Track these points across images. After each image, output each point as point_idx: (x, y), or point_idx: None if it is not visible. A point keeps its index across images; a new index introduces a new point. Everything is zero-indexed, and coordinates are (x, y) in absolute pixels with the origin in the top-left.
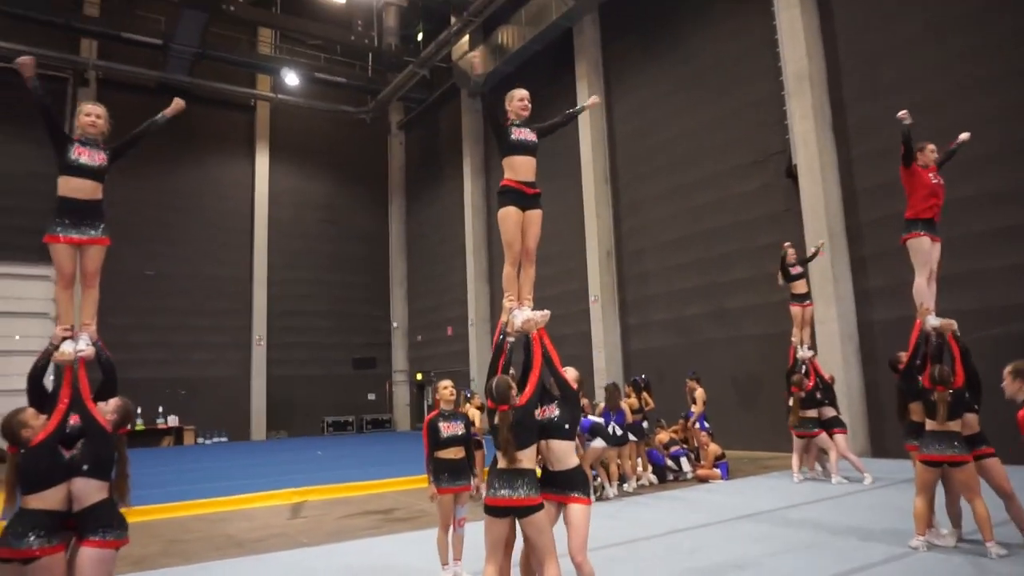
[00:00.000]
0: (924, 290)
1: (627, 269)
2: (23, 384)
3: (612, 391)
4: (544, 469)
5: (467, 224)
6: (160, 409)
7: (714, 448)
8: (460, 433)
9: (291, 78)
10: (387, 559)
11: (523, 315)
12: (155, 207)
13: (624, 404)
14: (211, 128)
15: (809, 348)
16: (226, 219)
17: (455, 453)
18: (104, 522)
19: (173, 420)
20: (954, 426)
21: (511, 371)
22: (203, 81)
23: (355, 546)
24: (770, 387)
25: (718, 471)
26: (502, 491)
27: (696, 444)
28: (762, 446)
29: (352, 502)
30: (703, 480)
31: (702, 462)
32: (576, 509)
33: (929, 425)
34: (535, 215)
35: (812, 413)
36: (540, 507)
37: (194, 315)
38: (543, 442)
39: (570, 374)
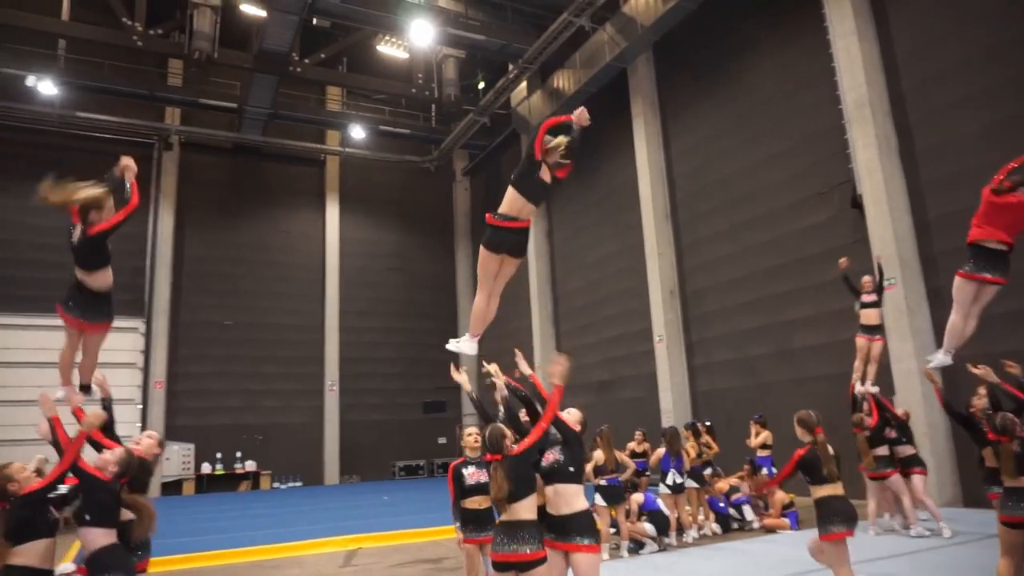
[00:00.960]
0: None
1: (691, 309)
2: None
3: (673, 435)
4: (550, 515)
5: (531, 267)
6: (238, 455)
7: (781, 495)
8: (485, 481)
9: (357, 132)
10: None
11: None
12: (231, 261)
13: (684, 450)
14: (283, 183)
15: (872, 384)
16: (298, 270)
17: (480, 503)
18: (109, 565)
19: (251, 465)
20: None
21: (522, 413)
22: (275, 139)
23: None
24: (840, 429)
25: (787, 520)
26: (503, 547)
27: (763, 492)
28: None
29: (406, 550)
30: (770, 530)
31: (769, 510)
32: (582, 560)
33: (1007, 481)
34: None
35: (883, 451)
36: (542, 561)
37: (269, 363)
38: (550, 488)
39: (573, 416)
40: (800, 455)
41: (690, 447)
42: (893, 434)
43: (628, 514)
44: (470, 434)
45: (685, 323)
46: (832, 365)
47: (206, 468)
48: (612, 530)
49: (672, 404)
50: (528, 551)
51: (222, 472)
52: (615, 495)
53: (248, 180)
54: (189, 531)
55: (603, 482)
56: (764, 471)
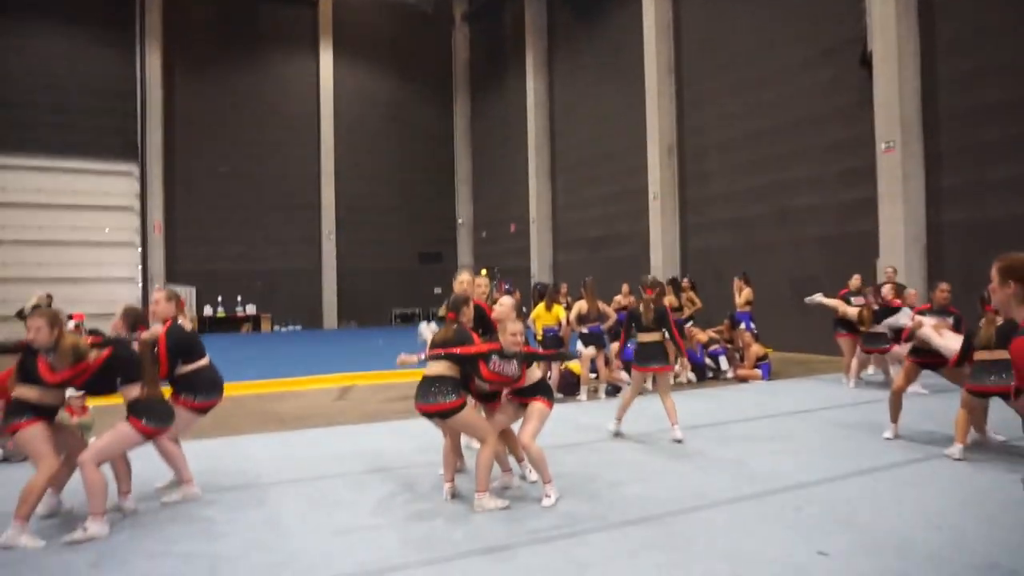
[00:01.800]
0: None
1: (689, 167)
2: (113, 271)
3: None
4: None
5: (529, 120)
6: (239, 298)
7: (756, 349)
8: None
9: None
10: (407, 442)
11: None
12: (224, 107)
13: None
14: (275, 26)
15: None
16: (293, 118)
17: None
18: (141, 411)
19: (251, 309)
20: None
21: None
22: None
23: (383, 427)
24: (830, 289)
25: (758, 371)
26: (420, 399)
27: (740, 344)
28: (816, 350)
29: (397, 388)
30: (742, 380)
31: (744, 362)
32: (534, 405)
33: (978, 355)
34: None
35: (882, 330)
36: (458, 408)
37: (268, 210)
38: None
39: (506, 304)
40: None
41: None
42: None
43: (608, 361)
44: (460, 282)
45: (682, 181)
46: (829, 226)
47: (208, 311)
48: (593, 375)
49: (662, 261)
50: (442, 401)
51: (224, 316)
52: (596, 342)
53: (239, 20)
54: None
55: (585, 330)
56: (743, 326)
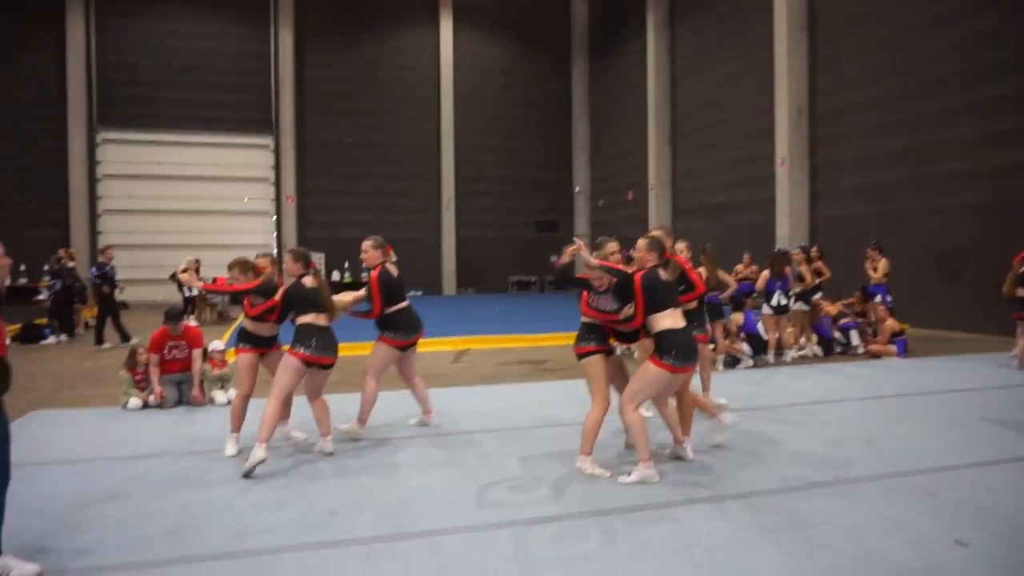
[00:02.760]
0: None
1: (820, 130)
2: (251, 239)
3: (777, 258)
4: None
5: (649, 84)
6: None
7: (892, 323)
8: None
9: None
10: (521, 403)
11: None
12: (350, 80)
13: (800, 273)
14: None
15: None
16: (414, 88)
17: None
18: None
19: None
20: None
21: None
22: None
23: (497, 390)
24: (979, 263)
25: (893, 348)
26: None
27: (873, 318)
28: (961, 327)
29: (512, 352)
30: (875, 356)
31: (877, 338)
32: (645, 365)
33: None
34: None
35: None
36: (583, 355)
37: (390, 180)
38: None
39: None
40: None
41: (804, 271)
42: None
43: (727, 332)
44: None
45: (812, 144)
46: (981, 192)
47: (335, 276)
48: (710, 345)
49: (789, 230)
50: (577, 344)
51: (350, 280)
52: (714, 312)
53: None
54: None
55: None
56: (878, 298)
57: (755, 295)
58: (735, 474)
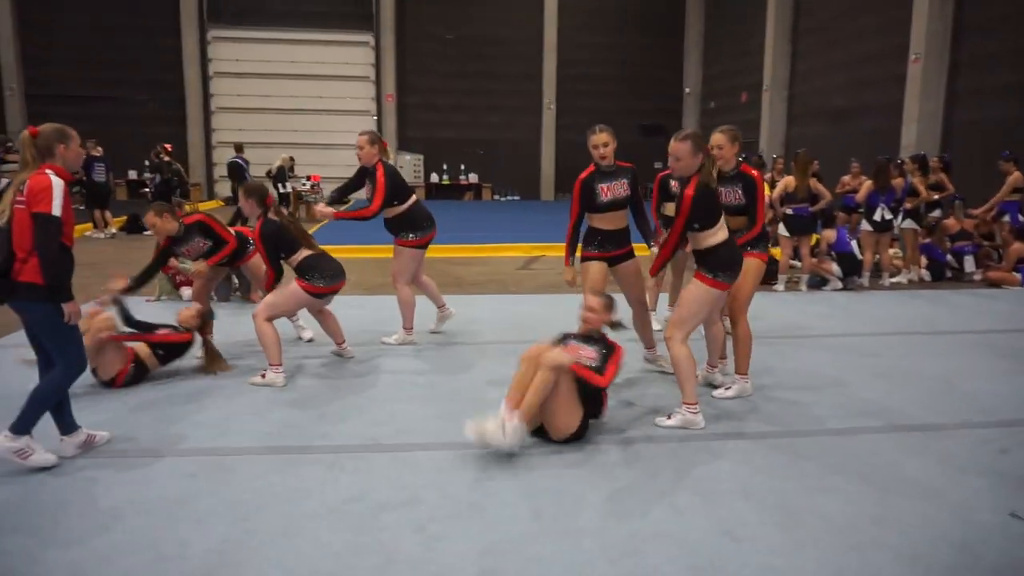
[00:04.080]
0: None
1: (968, 16)
2: (350, 139)
3: (882, 167)
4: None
5: None
6: (462, 167)
7: (1019, 247)
8: (623, 196)
9: None
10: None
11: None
12: None
13: (913, 185)
14: None
15: None
16: None
17: (614, 222)
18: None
19: (473, 177)
20: None
21: None
22: None
23: (547, 299)
24: None
25: (1017, 276)
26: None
27: (1000, 241)
28: None
29: None
30: (994, 284)
31: (1002, 263)
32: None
33: None
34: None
35: None
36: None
37: (491, 79)
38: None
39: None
40: None
41: (917, 183)
42: None
43: (815, 251)
44: (606, 144)
45: (955, 34)
46: None
47: (434, 178)
48: (795, 262)
49: (916, 138)
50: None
51: (448, 182)
52: (800, 226)
53: None
54: None
55: (789, 211)
56: (1007, 217)
57: (861, 209)
58: (782, 414)
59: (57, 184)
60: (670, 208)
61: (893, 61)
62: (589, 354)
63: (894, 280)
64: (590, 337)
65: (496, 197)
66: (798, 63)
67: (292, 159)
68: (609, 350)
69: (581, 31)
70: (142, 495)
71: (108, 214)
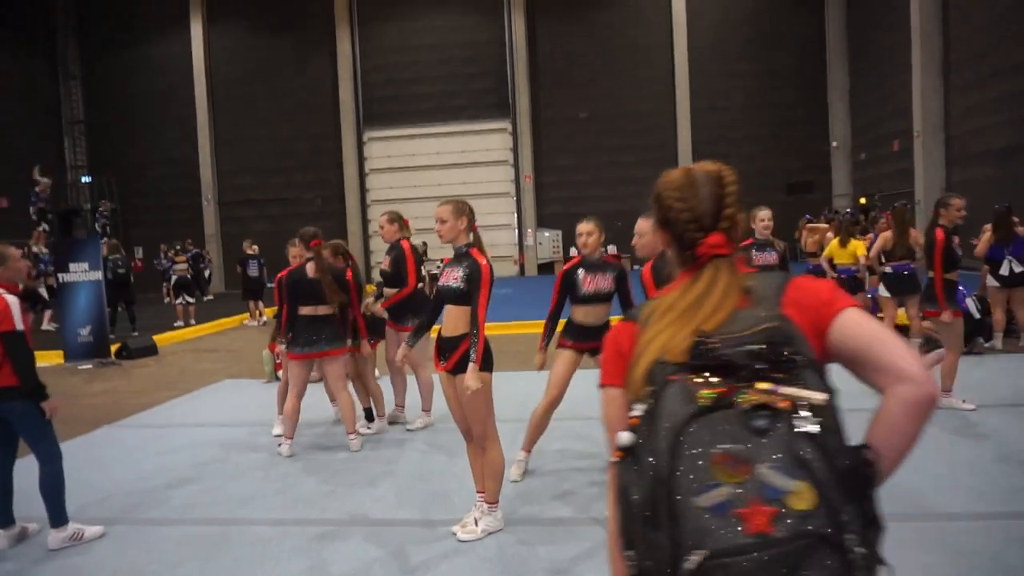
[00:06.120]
0: None
1: None
2: (494, 220)
3: (1003, 215)
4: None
5: (912, 4)
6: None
7: None
8: (606, 290)
9: None
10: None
11: None
12: (582, 50)
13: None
14: None
15: None
16: (646, 52)
17: (592, 315)
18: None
19: (612, 249)
20: None
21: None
22: None
23: None
24: None
25: None
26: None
27: None
28: None
29: None
30: None
31: None
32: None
33: None
34: None
35: None
36: None
37: (625, 151)
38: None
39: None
40: None
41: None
42: None
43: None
44: (590, 233)
45: None
46: None
47: (572, 252)
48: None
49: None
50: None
51: None
52: (902, 285)
53: None
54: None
55: (888, 269)
56: None
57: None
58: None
59: (12, 301)
60: None
61: None
62: None
63: None
64: None
65: (635, 267)
66: (952, 100)
67: (425, 244)
68: None
69: (716, 94)
70: None
71: (261, 304)
